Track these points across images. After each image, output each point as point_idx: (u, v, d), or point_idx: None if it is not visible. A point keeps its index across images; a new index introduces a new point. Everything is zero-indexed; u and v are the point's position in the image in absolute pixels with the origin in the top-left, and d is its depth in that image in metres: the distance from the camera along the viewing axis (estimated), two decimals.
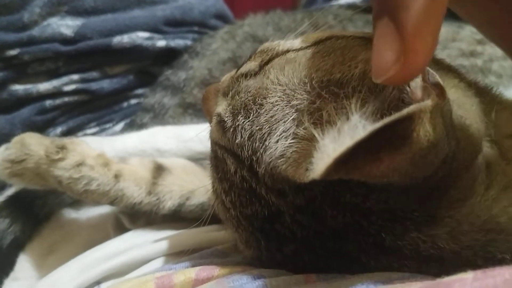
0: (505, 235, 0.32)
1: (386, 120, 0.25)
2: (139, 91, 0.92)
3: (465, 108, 0.34)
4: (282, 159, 0.34)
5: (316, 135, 0.30)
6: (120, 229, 0.64)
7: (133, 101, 0.91)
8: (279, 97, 0.36)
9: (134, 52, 0.87)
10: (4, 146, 0.60)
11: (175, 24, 0.92)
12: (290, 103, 0.35)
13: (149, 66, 0.92)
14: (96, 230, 0.68)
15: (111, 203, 0.60)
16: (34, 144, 0.59)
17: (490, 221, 0.32)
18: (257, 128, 0.36)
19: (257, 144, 0.36)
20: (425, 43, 0.26)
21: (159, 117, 0.84)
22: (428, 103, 0.27)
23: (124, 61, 0.88)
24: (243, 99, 0.38)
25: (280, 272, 0.39)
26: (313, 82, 0.35)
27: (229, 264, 0.43)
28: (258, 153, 0.36)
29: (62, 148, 0.59)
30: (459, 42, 0.76)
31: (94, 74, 0.85)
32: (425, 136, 0.27)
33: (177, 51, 0.92)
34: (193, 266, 0.43)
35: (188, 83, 0.86)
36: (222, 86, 0.44)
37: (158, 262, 0.52)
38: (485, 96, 0.38)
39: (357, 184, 0.32)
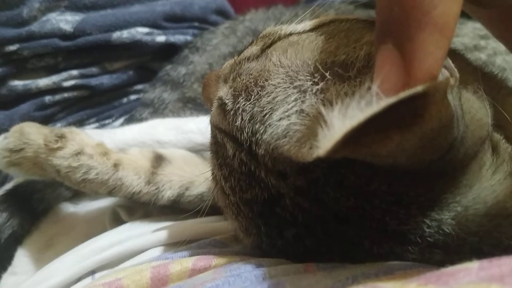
0: None
1: (401, 95, 0.24)
2: (139, 86, 0.91)
3: (473, 91, 0.33)
4: (284, 139, 0.33)
5: (323, 112, 0.30)
6: (117, 222, 0.63)
7: (133, 97, 0.91)
8: (281, 79, 0.36)
9: (134, 47, 0.86)
10: (3, 136, 0.60)
11: (175, 20, 0.92)
12: (292, 84, 0.35)
13: (149, 62, 0.92)
14: (94, 224, 0.67)
15: (110, 192, 0.59)
16: (33, 133, 0.59)
17: (497, 206, 0.31)
18: (259, 110, 0.36)
19: (257, 126, 0.35)
20: (430, 74, 0.25)
21: (158, 112, 0.83)
22: (443, 82, 0.26)
23: (123, 56, 0.88)
24: (244, 81, 0.38)
25: (279, 261, 0.38)
26: (317, 64, 0.34)
27: (227, 254, 0.42)
28: (258, 135, 0.35)
29: (61, 137, 0.58)
30: (462, 37, 0.75)
31: (93, 69, 0.85)
32: (437, 116, 0.26)
33: (177, 46, 0.92)
34: (191, 256, 0.43)
35: (188, 78, 0.85)
36: (223, 72, 0.44)
37: (154, 252, 0.51)
38: (491, 80, 0.37)
39: (362, 166, 0.32)
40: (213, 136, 0.42)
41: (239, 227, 0.41)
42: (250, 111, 0.36)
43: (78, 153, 0.57)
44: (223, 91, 0.40)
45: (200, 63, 0.86)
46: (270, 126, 0.34)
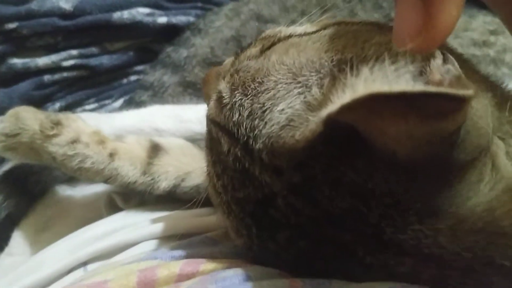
0: (506, 240, 0.31)
1: (442, 90, 0.25)
2: (139, 67, 0.90)
3: (477, 100, 0.32)
4: (287, 127, 0.33)
5: (348, 77, 0.29)
6: (113, 208, 0.63)
7: (133, 78, 0.90)
8: (283, 75, 0.35)
9: (135, 28, 0.85)
10: None
11: (177, 0, 0.90)
12: (296, 79, 0.35)
13: (149, 43, 0.91)
14: (90, 208, 0.67)
15: (106, 181, 0.59)
16: (29, 119, 0.58)
17: (492, 223, 0.31)
18: (258, 106, 0.35)
19: (257, 122, 0.35)
20: (450, 16, 0.25)
21: (158, 95, 0.83)
22: (472, 92, 0.26)
23: (124, 37, 0.87)
24: (242, 78, 0.38)
25: (267, 270, 0.37)
26: (323, 61, 0.34)
27: (216, 256, 0.42)
28: (257, 130, 0.35)
29: (57, 123, 0.57)
30: (471, 32, 0.74)
31: (93, 49, 0.84)
32: (458, 121, 0.27)
33: (179, 28, 0.90)
34: (180, 256, 0.42)
35: (189, 61, 0.84)
36: (223, 69, 0.44)
37: (147, 245, 0.51)
38: (498, 90, 0.37)
39: (362, 162, 0.31)
40: (209, 131, 0.42)
41: (230, 227, 0.40)
42: (248, 107, 0.36)
43: (74, 141, 0.56)
44: (222, 85, 0.40)
45: (202, 46, 0.84)
46: (270, 120, 0.34)
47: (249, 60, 0.39)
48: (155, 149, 0.60)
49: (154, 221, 0.54)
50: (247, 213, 0.37)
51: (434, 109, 0.26)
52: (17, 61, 0.80)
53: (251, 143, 0.35)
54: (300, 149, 0.32)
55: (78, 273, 0.49)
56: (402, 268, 0.32)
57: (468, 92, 0.25)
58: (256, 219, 0.37)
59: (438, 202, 0.31)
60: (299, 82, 0.34)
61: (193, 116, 0.68)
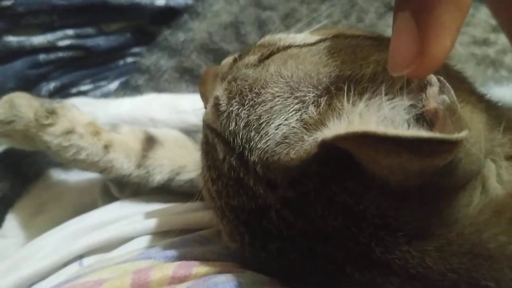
0: (492, 262, 0.31)
1: (437, 136, 0.25)
2: (136, 49, 0.89)
3: (472, 126, 0.32)
4: (282, 145, 0.33)
5: (345, 105, 0.30)
6: (108, 196, 0.63)
7: (129, 60, 0.89)
8: (280, 88, 0.36)
9: (132, 9, 0.84)
10: None
11: None
12: (293, 94, 0.35)
13: (147, 25, 0.89)
14: (84, 194, 0.67)
15: (101, 172, 0.59)
16: (24, 106, 0.58)
17: (479, 246, 0.31)
18: (255, 118, 0.35)
19: (252, 134, 0.35)
20: (443, 47, 0.26)
21: (154, 79, 0.82)
22: (465, 134, 0.26)
23: (121, 18, 0.85)
24: (239, 86, 0.38)
25: (259, 278, 0.38)
26: (321, 77, 0.34)
27: (209, 256, 0.43)
28: (253, 142, 0.35)
29: (52, 112, 0.57)
30: (473, 27, 0.73)
31: (89, 30, 0.83)
32: (450, 158, 0.28)
33: (177, 10, 0.89)
34: (173, 256, 0.43)
35: (186, 45, 0.83)
36: (221, 70, 0.43)
37: (142, 240, 0.51)
38: (493, 110, 0.36)
39: (354, 183, 0.31)
40: (205, 136, 0.42)
41: (224, 231, 0.41)
42: (245, 118, 0.36)
43: (69, 132, 0.56)
44: (220, 91, 0.40)
45: (200, 30, 0.83)
46: (266, 134, 0.34)
47: (247, 68, 0.39)
48: (150, 141, 0.60)
49: (149, 215, 0.54)
50: (240, 221, 0.38)
51: (427, 149, 0.26)
52: (12, 39, 0.79)
53: (246, 154, 0.35)
54: (294, 167, 0.32)
55: (74, 267, 0.50)
56: (389, 286, 0.33)
57: (461, 135, 0.25)
58: (249, 228, 0.37)
59: (427, 225, 0.31)
60: (297, 98, 0.34)
61: (189, 107, 0.68)
